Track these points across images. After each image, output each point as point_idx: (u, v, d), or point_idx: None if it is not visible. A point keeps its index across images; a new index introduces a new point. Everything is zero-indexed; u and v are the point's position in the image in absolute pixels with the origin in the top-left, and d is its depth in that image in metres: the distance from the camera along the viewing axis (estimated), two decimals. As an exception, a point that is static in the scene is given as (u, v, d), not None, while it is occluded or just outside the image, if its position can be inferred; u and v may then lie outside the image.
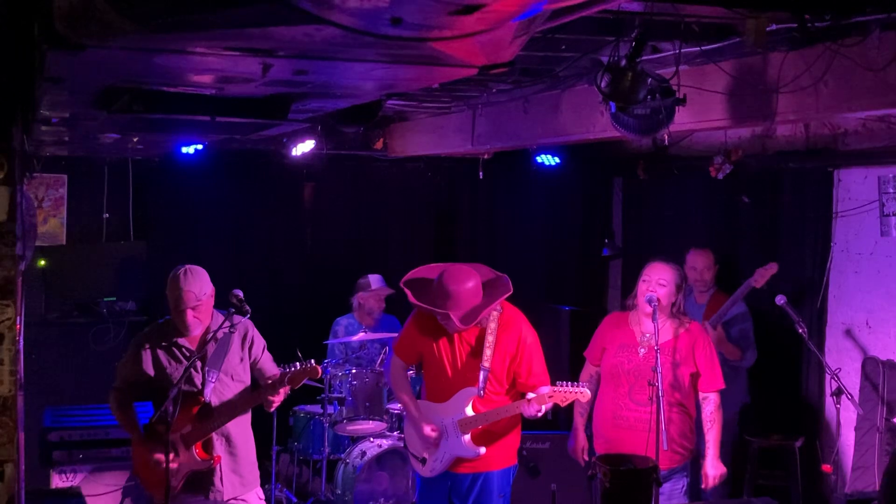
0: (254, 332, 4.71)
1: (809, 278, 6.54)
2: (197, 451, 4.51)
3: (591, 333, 5.20)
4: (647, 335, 4.80)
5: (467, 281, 4.53)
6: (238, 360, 4.64)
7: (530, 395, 4.55)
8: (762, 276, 5.98)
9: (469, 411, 4.62)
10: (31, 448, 5.57)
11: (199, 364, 4.53)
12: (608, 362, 4.91)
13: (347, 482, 6.30)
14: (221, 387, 4.59)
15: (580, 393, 4.57)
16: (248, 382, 4.71)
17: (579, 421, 5.13)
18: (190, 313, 4.48)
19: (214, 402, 4.56)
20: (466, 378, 4.64)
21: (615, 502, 4.06)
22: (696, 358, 4.83)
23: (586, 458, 5.14)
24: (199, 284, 4.47)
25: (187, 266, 4.54)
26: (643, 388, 4.67)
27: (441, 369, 4.69)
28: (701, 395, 4.87)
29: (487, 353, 4.58)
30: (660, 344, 4.57)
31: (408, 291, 4.67)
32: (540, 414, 4.56)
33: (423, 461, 4.78)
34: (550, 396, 4.54)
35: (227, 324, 4.48)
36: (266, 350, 4.77)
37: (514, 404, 4.60)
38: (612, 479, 4.06)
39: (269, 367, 4.74)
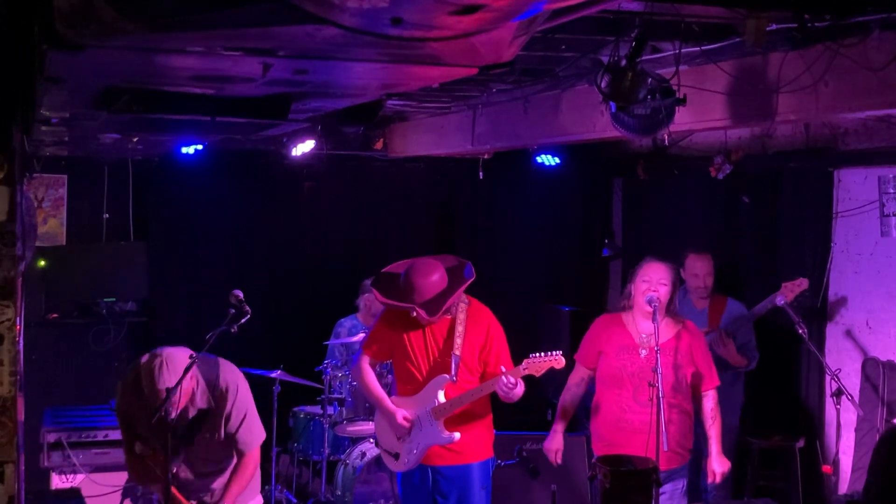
0: (232, 406, 4.29)
1: (809, 278, 6.53)
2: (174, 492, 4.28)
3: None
4: (645, 336, 4.79)
5: (431, 273, 4.58)
6: (212, 440, 4.34)
7: (503, 369, 4.56)
8: (791, 290, 5.71)
9: (442, 398, 4.65)
10: (31, 449, 5.57)
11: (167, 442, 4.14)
12: (609, 365, 4.87)
13: (347, 483, 6.30)
14: (189, 461, 4.35)
15: (554, 360, 4.56)
16: (217, 457, 4.44)
17: (559, 425, 5.06)
18: (170, 406, 4.10)
19: (186, 475, 4.36)
20: (438, 368, 4.68)
21: (615, 503, 4.06)
22: (695, 358, 4.83)
23: (559, 462, 5.09)
24: (174, 378, 4.07)
25: (164, 356, 4.14)
26: (647, 389, 4.64)
27: (413, 362, 4.73)
28: (702, 392, 4.86)
29: (458, 341, 4.64)
30: (661, 344, 4.56)
31: (375, 291, 4.74)
32: (516, 388, 4.53)
33: (397, 456, 4.79)
34: (525, 368, 4.55)
35: (207, 403, 4.22)
36: (246, 419, 4.36)
37: (488, 383, 4.61)
38: (613, 479, 4.06)
39: (245, 438, 4.37)
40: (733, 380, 6.15)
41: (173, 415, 4.10)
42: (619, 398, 4.81)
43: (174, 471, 4.29)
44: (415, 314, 4.60)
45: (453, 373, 4.63)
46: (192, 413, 4.24)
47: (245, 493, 4.58)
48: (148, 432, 4.27)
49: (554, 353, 4.61)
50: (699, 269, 6.23)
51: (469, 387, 4.67)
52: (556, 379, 5.14)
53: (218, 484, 4.47)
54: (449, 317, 4.69)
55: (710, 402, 4.84)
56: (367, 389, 4.89)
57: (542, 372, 4.62)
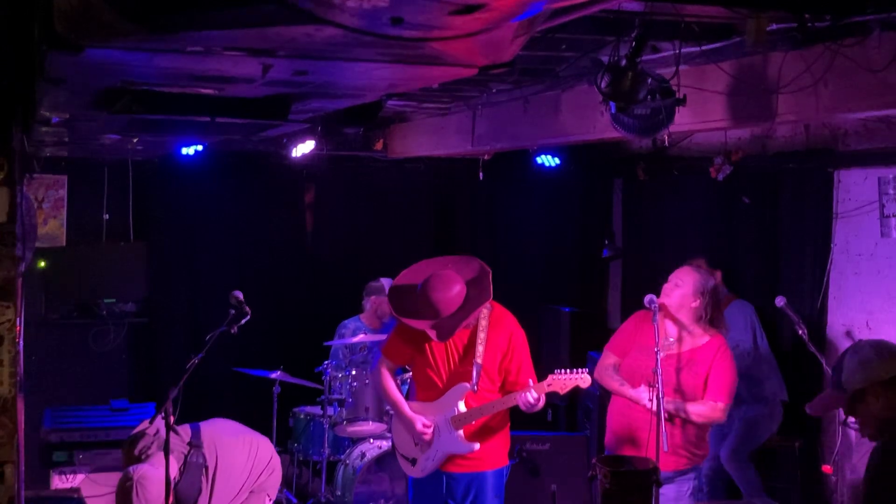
0: None
1: (809, 279, 6.54)
2: None
3: (591, 334, 5.20)
4: (670, 340, 4.74)
5: (450, 289, 4.47)
6: None
7: (530, 382, 4.51)
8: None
9: (462, 407, 4.58)
10: (31, 449, 5.58)
11: None
12: (629, 363, 4.84)
13: (347, 483, 6.30)
14: None
15: (580, 378, 4.50)
16: None
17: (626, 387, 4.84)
18: None
19: None
20: (459, 376, 4.61)
21: (615, 503, 4.06)
22: (711, 373, 4.70)
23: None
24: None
25: (135, 479, 4.15)
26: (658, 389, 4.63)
27: (433, 368, 4.67)
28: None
29: (479, 349, 4.55)
30: (682, 352, 4.51)
31: (391, 305, 4.67)
32: (538, 403, 4.49)
33: (414, 462, 4.73)
34: (549, 385, 4.50)
35: None
36: None
37: (510, 395, 4.54)
38: (612, 479, 4.06)
39: None
40: (769, 372, 6.25)
41: None
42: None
43: None
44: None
45: (474, 381, 4.54)
46: None
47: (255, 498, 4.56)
48: (176, 401, 4.24)
49: (580, 370, 4.54)
50: None
51: (490, 396, 4.60)
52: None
53: None
54: (469, 327, 4.60)
55: (701, 403, 4.70)
56: (386, 394, 4.81)
57: (567, 390, 4.55)
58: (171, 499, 4.18)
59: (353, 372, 6.51)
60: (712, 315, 4.74)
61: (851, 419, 3.09)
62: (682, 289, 4.72)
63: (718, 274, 6.42)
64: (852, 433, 6.08)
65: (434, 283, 4.49)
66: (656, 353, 4.49)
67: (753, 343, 6.24)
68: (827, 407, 3.29)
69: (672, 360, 4.65)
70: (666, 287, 4.78)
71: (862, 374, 2.93)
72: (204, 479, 4.27)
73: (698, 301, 4.71)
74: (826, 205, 6.44)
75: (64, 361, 7.59)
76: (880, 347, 3.01)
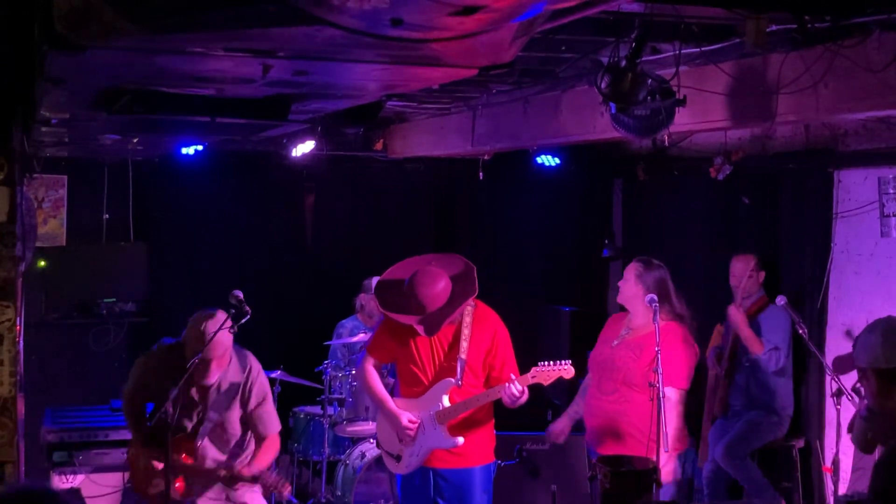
0: (255, 384, 4.53)
1: (809, 279, 6.54)
2: (178, 482, 4.41)
3: (591, 334, 5.24)
4: (625, 330, 4.91)
5: (435, 285, 4.53)
6: (237, 416, 4.54)
7: (513, 377, 4.55)
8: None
9: (446, 402, 4.61)
10: (31, 449, 5.58)
11: (197, 412, 4.43)
12: (591, 356, 5.03)
13: (347, 483, 6.30)
14: (214, 436, 4.50)
15: (563, 369, 4.56)
16: (239, 434, 4.58)
17: (570, 409, 5.12)
18: (214, 363, 4.35)
19: (205, 447, 4.49)
20: (443, 372, 4.64)
21: (615, 503, 4.06)
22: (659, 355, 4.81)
23: (558, 442, 5.19)
24: (222, 338, 4.32)
25: (207, 316, 4.37)
26: (610, 378, 4.77)
27: (418, 364, 4.69)
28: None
29: (464, 345, 4.60)
30: (632, 339, 4.61)
31: (377, 301, 4.73)
32: (522, 396, 4.52)
33: (398, 458, 4.75)
34: (534, 377, 4.54)
35: (237, 376, 4.43)
36: (266, 401, 4.57)
37: (494, 389, 4.58)
38: (613, 479, 4.06)
39: (266, 421, 4.56)
40: (778, 380, 6.22)
41: (214, 378, 4.33)
42: (592, 385, 4.95)
43: (199, 443, 4.43)
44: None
45: (458, 377, 4.58)
46: (224, 386, 4.41)
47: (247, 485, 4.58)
48: (177, 402, 4.32)
49: (563, 361, 4.58)
50: (732, 269, 6.35)
51: (474, 391, 4.62)
52: (558, 380, 5.13)
53: (239, 462, 4.52)
54: (453, 324, 4.64)
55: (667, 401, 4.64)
56: (371, 391, 4.85)
57: (551, 381, 4.59)
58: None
59: (353, 371, 6.51)
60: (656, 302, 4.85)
61: (859, 385, 3.16)
62: (627, 281, 4.91)
63: (762, 275, 6.34)
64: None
65: (420, 279, 4.56)
66: (656, 351, 4.50)
67: (787, 352, 6.19)
68: (845, 367, 3.37)
69: (622, 349, 4.80)
70: (620, 283, 4.98)
71: (865, 356, 3.00)
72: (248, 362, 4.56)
73: (642, 289, 4.87)
74: (826, 205, 6.44)
75: (64, 361, 7.59)
76: (892, 332, 3.02)
